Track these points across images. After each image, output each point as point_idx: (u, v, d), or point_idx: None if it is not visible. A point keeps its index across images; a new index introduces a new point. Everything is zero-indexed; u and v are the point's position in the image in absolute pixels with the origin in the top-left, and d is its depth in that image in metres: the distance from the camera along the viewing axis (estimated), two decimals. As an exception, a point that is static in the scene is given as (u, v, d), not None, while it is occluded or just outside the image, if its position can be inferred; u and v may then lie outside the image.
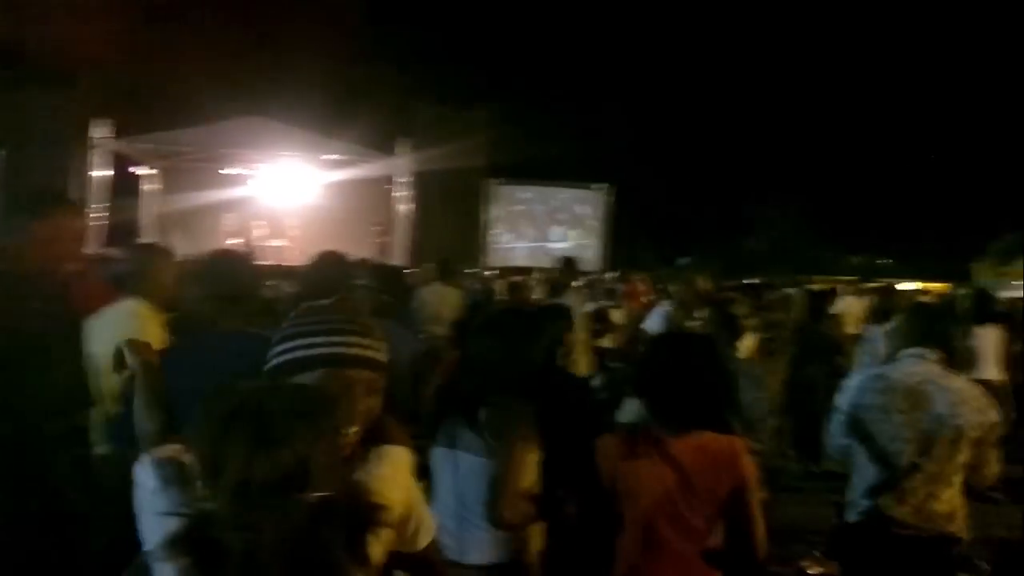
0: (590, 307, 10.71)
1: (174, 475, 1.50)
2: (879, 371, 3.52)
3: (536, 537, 2.88)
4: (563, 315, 4.46)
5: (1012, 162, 33.04)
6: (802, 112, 35.49)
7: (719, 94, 35.79)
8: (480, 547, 2.75)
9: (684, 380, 2.68)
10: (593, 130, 31.40)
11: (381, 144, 17.57)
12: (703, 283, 5.91)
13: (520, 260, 24.29)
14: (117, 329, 3.18)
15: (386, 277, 4.51)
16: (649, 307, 11.88)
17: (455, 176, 21.11)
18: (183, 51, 20.40)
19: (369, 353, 1.81)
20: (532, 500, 2.73)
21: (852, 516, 3.44)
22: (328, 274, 4.09)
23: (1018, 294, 19.39)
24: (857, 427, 3.39)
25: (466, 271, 15.68)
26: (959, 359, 3.35)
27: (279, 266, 12.27)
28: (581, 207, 26.09)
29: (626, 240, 26.77)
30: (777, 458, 6.24)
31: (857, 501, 3.42)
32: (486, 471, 2.70)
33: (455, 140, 20.66)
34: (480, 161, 23.01)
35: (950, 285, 22.10)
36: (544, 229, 26.14)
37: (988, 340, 7.60)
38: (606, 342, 8.97)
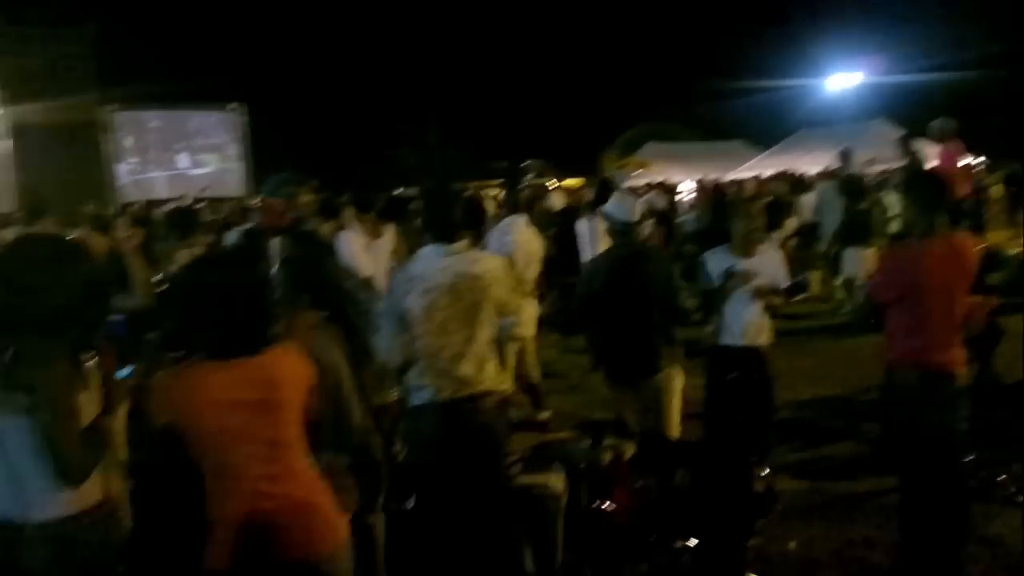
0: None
1: None
2: (414, 270, 3.66)
3: (114, 479, 2.59)
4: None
5: (632, 64, 36.28)
6: (443, 28, 35.91)
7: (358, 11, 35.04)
8: (45, 504, 2.37)
9: (219, 306, 2.43)
10: (222, 46, 29.21)
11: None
12: (305, 195, 5.75)
13: (158, 193, 22.40)
14: None
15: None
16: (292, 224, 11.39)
17: (62, 106, 18.54)
18: None
19: None
20: (95, 439, 2.43)
21: (417, 400, 3.65)
22: None
23: (636, 183, 21.41)
24: (403, 323, 3.57)
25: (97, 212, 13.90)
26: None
27: None
28: (216, 130, 24.46)
29: (271, 162, 25.60)
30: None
31: (417, 389, 3.63)
32: (34, 431, 2.31)
33: (53, 64, 18.09)
34: (89, 86, 20.41)
35: (583, 180, 23.86)
36: (179, 157, 24.23)
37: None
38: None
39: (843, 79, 30.30)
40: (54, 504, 2.38)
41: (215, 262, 2.81)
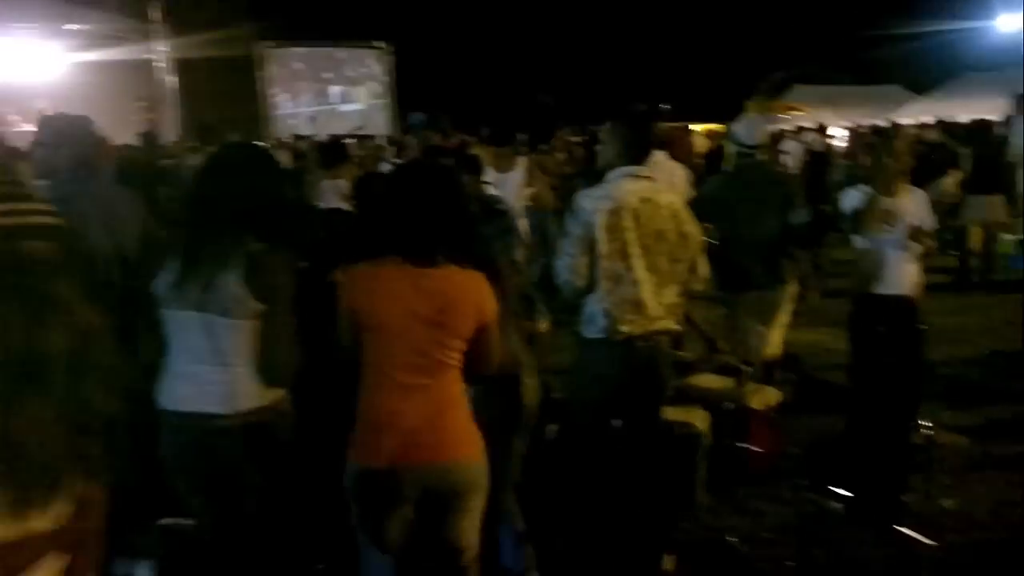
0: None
1: None
2: (602, 191, 3.54)
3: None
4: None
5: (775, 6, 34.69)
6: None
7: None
8: (241, 396, 2.57)
9: (423, 211, 2.50)
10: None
11: (132, 10, 15.77)
12: (437, 138, 5.93)
13: (304, 128, 23.13)
14: None
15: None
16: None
17: (220, 41, 19.33)
18: None
19: None
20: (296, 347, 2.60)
21: (592, 332, 3.55)
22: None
23: (785, 127, 20.61)
24: (588, 243, 3.47)
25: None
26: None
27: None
28: (365, 67, 24.98)
29: (415, 100, 25.96)
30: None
31: (593, 318, 3.53)
32: (254, 329, 2.51)
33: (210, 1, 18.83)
34: (244, 22, 21.10)
35: (724, 125, 23.15)
36: (330, 91, 24.90)
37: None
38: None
39: (1012, 20, 28.10)
40: (251, 397, 2.56)
41: (425, 169, 2.87)
